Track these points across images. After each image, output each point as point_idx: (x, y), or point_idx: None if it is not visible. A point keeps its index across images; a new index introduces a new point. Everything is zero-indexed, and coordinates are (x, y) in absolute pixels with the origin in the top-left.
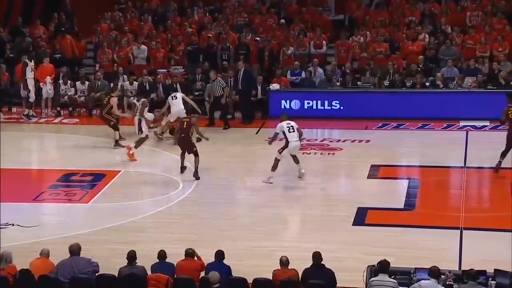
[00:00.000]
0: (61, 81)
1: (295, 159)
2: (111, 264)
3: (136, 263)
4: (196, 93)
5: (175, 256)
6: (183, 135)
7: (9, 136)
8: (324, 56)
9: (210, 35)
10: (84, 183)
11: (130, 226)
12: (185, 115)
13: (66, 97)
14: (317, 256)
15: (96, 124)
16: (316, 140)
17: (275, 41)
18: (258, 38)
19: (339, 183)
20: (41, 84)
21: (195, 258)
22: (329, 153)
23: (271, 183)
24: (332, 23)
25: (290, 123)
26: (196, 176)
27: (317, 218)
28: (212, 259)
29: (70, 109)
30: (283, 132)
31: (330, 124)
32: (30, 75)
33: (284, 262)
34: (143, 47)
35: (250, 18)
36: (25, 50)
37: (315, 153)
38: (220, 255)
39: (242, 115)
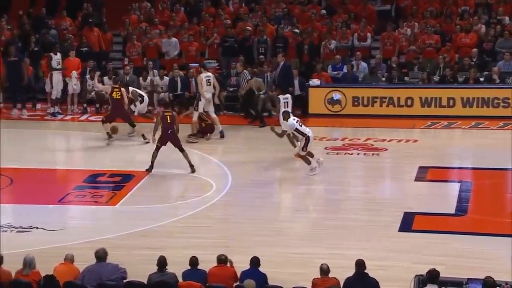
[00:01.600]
0: (88, 76)
1: (310, 154)
2: (139, 270)
3: (167, 269)
4: (231, 89)
5: (207, 263)
6: (169, 131)
7: (33, 134)
8: (368, 49)
9: (249, 28)
10: (112, 184)
11: (160, 231)
12: (165, 110)
13: (93, 93)
14: (360, 264)
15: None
16: (359, 139)
17: (315, 34)
18: (297, 30)
19: (384, 186)
20: (67, 79)
21: (228, 265)
22: (373, 154)
23: (316, 173)
24: (378, 13)
25: (295, 118)
26: (193, 169)
27: (360, 224)
28: (246, 266)
29: (97, 105)
30: (296, 130)
31: (374, 123)
32: (55, 70)
33: (325, 270)
34: (174, 40)
35: (289, 8)
36: (50, 43)
37: (358, 154)
38: (255, 262)
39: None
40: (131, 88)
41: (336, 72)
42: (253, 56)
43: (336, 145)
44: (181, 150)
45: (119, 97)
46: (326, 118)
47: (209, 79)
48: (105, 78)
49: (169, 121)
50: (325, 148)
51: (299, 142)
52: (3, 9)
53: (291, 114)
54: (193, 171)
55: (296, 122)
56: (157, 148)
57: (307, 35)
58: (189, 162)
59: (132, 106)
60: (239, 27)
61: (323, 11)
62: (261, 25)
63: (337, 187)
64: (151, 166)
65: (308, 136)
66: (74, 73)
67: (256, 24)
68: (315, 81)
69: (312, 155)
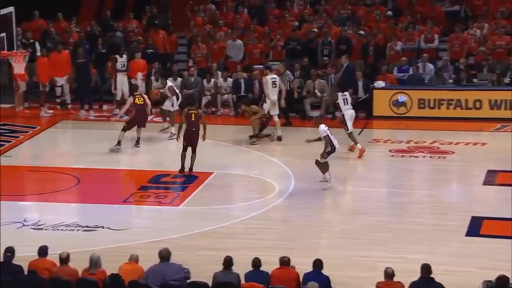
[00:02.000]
0: (153, 78)
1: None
2: (202, 271)
3: (232, 269)
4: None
5: (269, 265)
6: (193, 128)
7: (99, 134)
8: (435, 51)
9: (315, 29)
10: (176, 185)
11: (222, 232)
12: (191, 107)
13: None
14: (426, 269)
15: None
16: (425, 142)
17: (380, 35)
18: (362, 32)
19: (450, 190)
20: (132, 80)
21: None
22: (439, 157)
23: (327, 185)
24: (446, 14)
25: (326, 126)
26: (191, 171)
27: (426, 227)
28: (309, 268)
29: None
30: (328, 137)
31: (440, 125)
32: (120, 72)
33: (390, 274)
34: (239, 42)
35: (354, 10)
36: (117, 45)
37: (424, 157)
38: (318, 264)
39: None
40: (169, 83)
41: (401, 74)
42: (317, 58)
43: (401, 147)
44: (193, 151)
45: (142, 102)
46: (390, 120)
47: (275, 81)
48: (169, 80)
49: (193, 119)
50: (390, 151)
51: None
52: (72, 12)
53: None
54: (190, 171)
55: (328, 130)
56: (184, 148)
57: (372, 36)
58: (192, 165)
59: (167, 102)
60: (303, 29)
61: (389, 13)
62: (326, 26)
63: (402, 190)
64: (182, 168)
65: (335, 148)
66: (140, 75)
67: (320, 25)
68: (380, 83)
69: (327, 168)
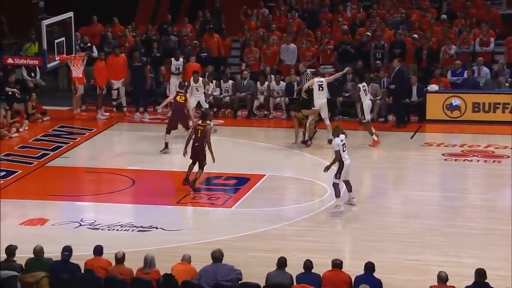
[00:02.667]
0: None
1: (349, 185)
2: (254, 272)
3: (285, 270)
4: (346, 94)
5: (320, 267)
6: (196, 144)
7: (153, 136)
8: (491, 54)
9: (369, 33)
10: (228, 187)
11: (273, 233)
12: (201, 122)
13: (211, 97)
14: (480, 273)
15: (240, 125)
16: (479, 146)
17: (434, 39)
18: (416, 36)
19: (505, 194)
20: (186, 83)
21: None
22: (494, 161)
23: (341, 210)
24: (502, 17)
25: (343, 140)
26: (194, 187)
27: (479, 232)
28: (360, 271)
29: (215, 109)
30: (339, 152)
31: (495, 129)
32: (173, 75)
33: (443, 278)
34: (292, 46)
35: (408, 14)
36: (172, 49)
37: (478, 161)
38: (370, 267)
39: (396, 118)
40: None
41: (455, 78)
42: (369, 62)
43: (455, 151)
44: (201, 167)
45: (183, 101)
46: (444, 124)
47: (322, 84)
48: (221, 82)
49: (199, 135)
50: (443, 154)
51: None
52: (128, 16)
53: (340, 134)
54: (195, 190)
55: (342, 144)
56: (193, 162)
57: (425, 40)
58: (195, 180)
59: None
60: (357, 32)
61: (444, 16)
62: (379, 30)
63: (455, 194)
64: (186, 177)
65: (343, 163)
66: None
67: (373, 29)
68: (433, 87)
69: (350, 188)
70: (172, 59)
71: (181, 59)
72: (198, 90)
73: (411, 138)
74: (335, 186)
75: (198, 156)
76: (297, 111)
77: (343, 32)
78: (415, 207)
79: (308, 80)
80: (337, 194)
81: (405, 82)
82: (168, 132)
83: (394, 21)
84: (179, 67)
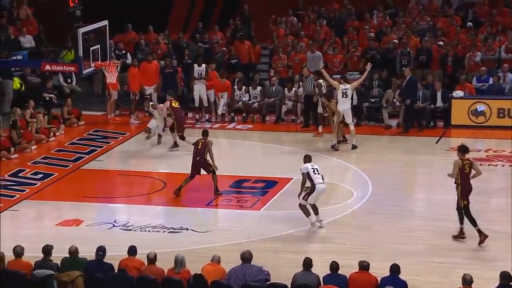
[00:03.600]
0: (235, 87)
1: (315, 208)
2: (282, 273)
3: (311, 270)
4: (373, 100)
5: (346, 268)
6: (198, 158)
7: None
8: None
9: (396, 41)
10: (256, 190)
11: (301, 236)
12: (202, 136)
13: (240, 103)
14: (505, 276)
15: (269, 130)
16: (504, 151)
17: (460, 46)
18: (441, 43)
19: None
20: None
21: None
22: None
23: (318, 226)
24: None
25: (314, 165)
26: (217, 193)
27: (503, 235)
28: (385, 273)
29: (244, 114)
30: (307, 174)
31: None
32: (198, 81)
33: (468, 280)
34: (318, 53)
35: (434, 21)
36: (201, 56)
37: (503, 165)
38: (395, 269)
39: (403, 124)
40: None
41: (481, 84)
42: (395, 68)
43: (480, 156)
44: (213, 173)
45: (178, 105)
46: (469, 130)
47: (346, 91)
48: (250, 88)
49: (200, 147)
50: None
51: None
52: (161, 25)
53: (311, 159)
54: (216, 194)
55: (313, 168)
56: (191, 176)
57: (451, 47)
58: (216, 186)
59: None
60: (383, 40)
61: (469, 23)
62: (405, 37)
63: (480, 198)
64: (178, 188)
65: (315, 187)
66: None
67: (400, 36)
68: (458, 93)
69: (317, 211)
70: (195, 65)
71: (203, 65)
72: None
73: (436, 143)
74: (302, 207)
75: (203, 167)
76: (328, 100)
77: (370, 38)
78: (440, 210)
79: (313, 85)
80: (306, 214)
81: (415, 90)
82: (182, 138)
83: (420, 29)
84: (201, 73)
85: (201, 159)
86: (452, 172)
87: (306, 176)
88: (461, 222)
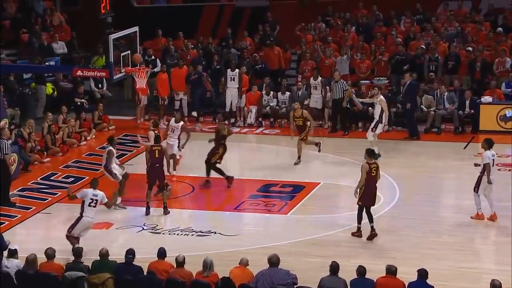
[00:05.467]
0: (264, 92)
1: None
2: (309, 277)
3: (337, 274)
4: (400, 106)
5: (374, 273)
6: (157, 165)
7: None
8: None
9: (423, 46)
10: (284, 194)
11: (328, 240)
12: (155, 143)
13: (268, 108)
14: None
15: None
16: None
17: (488, 51)
18: (470, 48)
19: None
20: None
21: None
22: None
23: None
24: None
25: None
26: (166, 211)
27: None
28: (413, 278)
29: (271, 119)
30: None
31: None
32: (231, 85)
33: (497, 286)
34: (346, 56)
35: (462, 27)
36: (234, 60)
37: None
38: (423, 274)
39: (408, 131)
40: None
41: (510, 90)
42: (423, 74)
43: (508, 161)
44: (163, 188)
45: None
46: (497, 135)
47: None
48: (279, 94)
49: (157, 155)
50: (497, 165)
51: None
52: (191, 31)
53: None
54: (165, 213)
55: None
56: (149, 186)
57: (479, 52)
58: (165, 204)
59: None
60: (411, 45)
61: (500, 29)
62: (433, 43)
63: (508, 204)
64: (148, 209)
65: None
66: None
67: (428, 42)
68: (487, 98)
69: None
70: (228, 70)
71: (236, 70)
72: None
73: (464, 148)
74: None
75: (160, 176)
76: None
77: (397, 43)
78: (468, 215)
79: (342, 90)
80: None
81: (414, 95)
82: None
83: (448, 34)
84: (234, 77)
85: (159, 167)
86: (361, 178)
87: None
88: (359, 222)
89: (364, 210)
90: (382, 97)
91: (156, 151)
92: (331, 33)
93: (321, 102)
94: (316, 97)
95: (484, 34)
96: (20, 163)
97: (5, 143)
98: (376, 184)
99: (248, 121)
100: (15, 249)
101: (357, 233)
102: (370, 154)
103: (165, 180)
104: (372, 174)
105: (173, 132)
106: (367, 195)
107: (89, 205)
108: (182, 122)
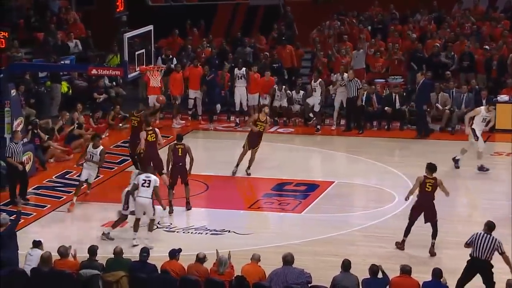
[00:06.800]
0: (275, 86)
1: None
2: (323, 276)
3: (349, 271)
4: (414, 104)
5: (388, 272)
6: (180, 163)
7: (226, 143)
8: None
9: (438, 44)
10: (298, 193)
11: (342, 239)
12: (178, 142)
13: (279, 105)
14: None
15: (310, 134)
16: None
17: (505, 49)
18: (486, 47)
19: None
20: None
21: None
22: None
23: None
24: None
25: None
26: (189, 207)
27: None
28: (427, 277)
29: (285, 119)
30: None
31: None
32: (239, 84)
33: None
34: (361, 50)
35: (478, 25)
36: (243, 59)
37: None
38: (437, 273)
39: (416, 129)
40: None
41: None
42: (439, 72)
43: None
44: (187, 184)
45: (154, 139)
46: None
47: None
48: (293, 92)
49: (180, 154)
50: None
51: None
52: (205, 29)
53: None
54: (188, 208)
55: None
56: (171, 186)
57: (496, 51)
58: (188, 199)
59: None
60: (427, 44)
61: None
62: (449, 41)
63: None
64: (171, 207)
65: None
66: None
67: (444, 40)
68: (503, 97)
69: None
70: (236, 68)
71: (243, 69)
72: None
73: None
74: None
75: (183, 174)
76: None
77: (412, 40)
78: (484, 215)
79: (357, 88)
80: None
81: (428, 93)
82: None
83: (464, 33)
84: (241, 76)
85: (183, 166)
86: (412, 187)
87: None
88: (405, 235)
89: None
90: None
91: (180, 149)
92: (346, 31)
93: (319, 104)
94: (316, 99)
95: (500, 32)
96: (35, 161)
97: (14, 146)
98: (433, 201)
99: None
100: (40, 241)
101: (400, 245)
102: (431, 168)
103: (188, 176)
104: (427, 189)
105: (91, 158)
106: (416, 210)
107: (143, 185)
108: (101, 148)
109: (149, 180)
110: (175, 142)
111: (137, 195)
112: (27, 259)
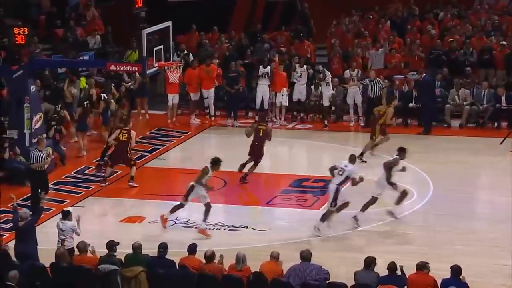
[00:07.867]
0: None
1: None
2: (341, 272)
3: (370, 269)
4: (439, 100)
5: (406, 269)
6: (257, 143)
7: (244, 140)
8: None
9: (453, 39)
10: (316, 189)
11: (361, 235)
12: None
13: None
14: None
15: (329, 130)
16: None
17: None
18: (504, 42)
19: None
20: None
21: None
22: None
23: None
24: None
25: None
26: (244, 177)
27: None
28: (446, 274)
29: (302, 114)
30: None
31: None
32: (262, 82)
33: None
34: (380, 50)
35: (500, 21)
36: (263, 56)
37: None
38: (456, 270)
39: (422, 125)
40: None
41: None
42: (459, 68)
43: None
44: (256, 164)
45: (126, 139)
46: None
47: None
48: (312, 89)
49: (261, 134)
50: None
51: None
52: (224, 26)
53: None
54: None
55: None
56: (250, 159)
57: None
58: (247, 174)
59: None
60: (446, 40)
61: None
62: (469, 37)
63: None
64: (243, 175)
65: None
66: (284, 90)
67: (464, 36)
68: None
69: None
70: (261, 66)
71: (268, 67)
72: None
73: (500, 143)
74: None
75: (258, 155)
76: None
77: (431, 36)
78: (503, 212)
79: (379, 88)
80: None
81: (431, 89)
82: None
83: (485, 29)
84: (266, 74)
85: (260, 146)
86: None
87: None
88: None
89: None
90: None
91: (261, 130)
92: (363, 26)
93: (305, 93)
94: (300, 87)
95: None
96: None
97: (37, 153)
98: None
99: (278, 104)
100: (68, 211)
101: None
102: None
103: (260, 159)
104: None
105: (62, 231)
106: None
107: (338, 174)
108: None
109: (346, 168)
110: (259, 122)
111: (333, 182)
112: (59, 232)
